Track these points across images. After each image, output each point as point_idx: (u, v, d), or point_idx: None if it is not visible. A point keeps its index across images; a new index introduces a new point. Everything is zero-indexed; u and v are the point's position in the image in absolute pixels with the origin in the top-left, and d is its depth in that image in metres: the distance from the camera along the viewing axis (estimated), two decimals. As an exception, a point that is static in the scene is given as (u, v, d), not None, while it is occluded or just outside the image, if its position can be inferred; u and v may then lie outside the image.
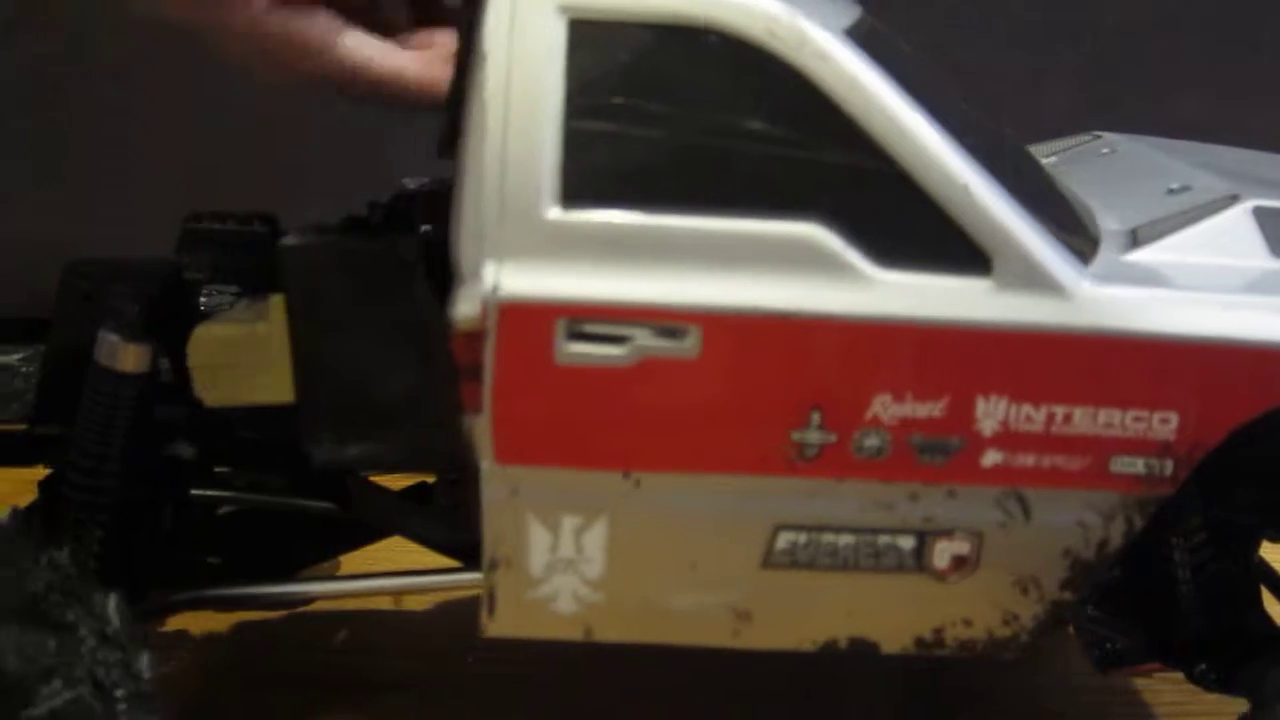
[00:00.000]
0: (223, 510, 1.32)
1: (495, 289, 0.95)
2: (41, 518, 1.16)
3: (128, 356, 1.11)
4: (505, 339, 0.95)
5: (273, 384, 1.10)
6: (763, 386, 0.96)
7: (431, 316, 1.01)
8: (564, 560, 1.00)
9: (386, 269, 1.04)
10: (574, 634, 1.03)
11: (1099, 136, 1.42)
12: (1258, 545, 1.27)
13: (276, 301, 1.08)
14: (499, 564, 1.01)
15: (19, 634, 0.97)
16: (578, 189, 0.96)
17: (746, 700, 1.41)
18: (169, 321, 1.14)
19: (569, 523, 0.99)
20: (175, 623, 1.45)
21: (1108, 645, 1.24)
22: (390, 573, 1.27)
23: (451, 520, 1.13)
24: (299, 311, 1.06)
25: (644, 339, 0.96)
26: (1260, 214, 1.07)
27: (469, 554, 1.12)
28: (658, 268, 0.95)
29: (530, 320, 0.95)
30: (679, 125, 0.96)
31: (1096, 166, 1.33)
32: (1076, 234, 1.04)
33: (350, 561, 1.46)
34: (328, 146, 1.96)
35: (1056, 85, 2.18)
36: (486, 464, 0.98)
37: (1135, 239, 1.07)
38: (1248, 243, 1.05)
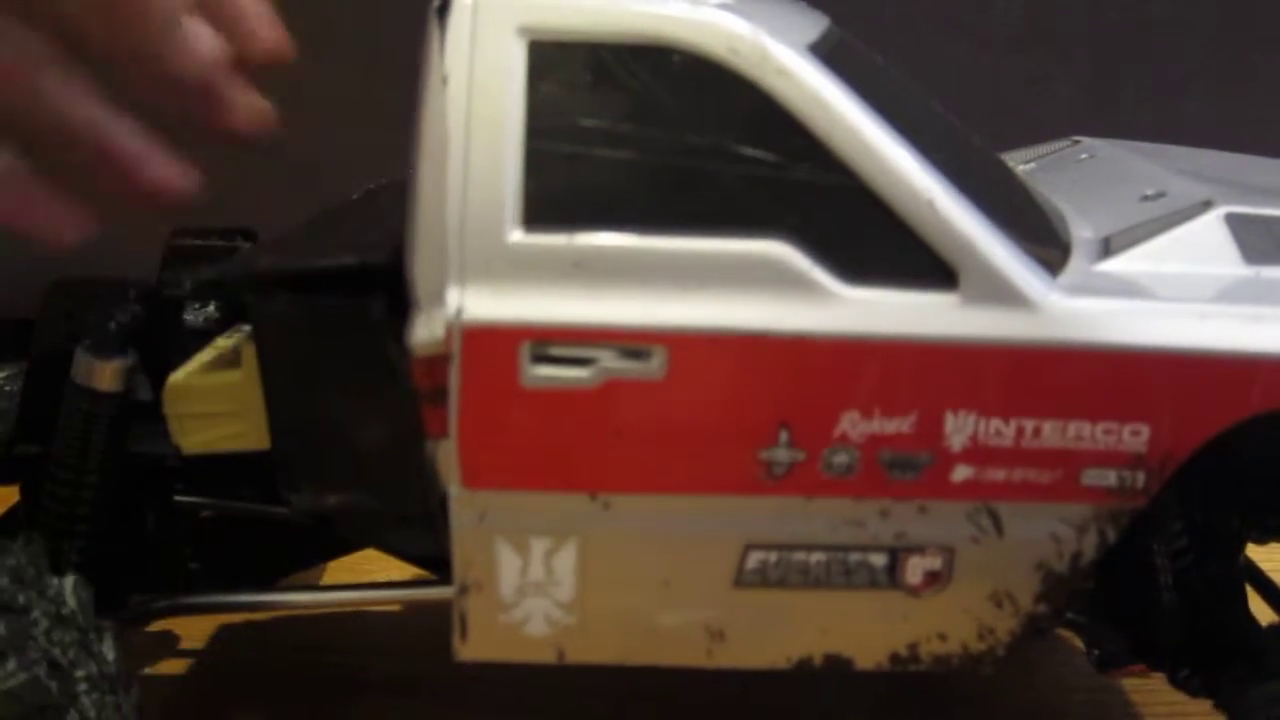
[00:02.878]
0: (205, 515, 1.32)
1: (459, 313, 0.95)
2: (24, 520, 1.17)
3: (103, 375, 1.12)
4: (470, 363, 0.95)
5: (248, 432, 1.10)
6: (730, 406, 0.96)
7: (403, 371, 1.00)
8: (534, 583, 1.00)
9: (356, 326, 1.03)
10: (547, 656, 1.03)
11: (1077, 142, 1.41)
12: (1242, 546, 1.26)
13: (249, 352, 1.08)
14: (470, 588, 1.01)
15: None
16: (540, 211, 0.95)
17: (740, 696, 1.42)
18: (150, 340, 1.14)
19: (538, 546, 0.99)
20: (166, 623, 1.46)
21: (1107, 645, 1.23)
22: (367, 584, 1.27)
23: (427, 535, 1.12)
24: (271, 367, 1.06)
25: (609, 361, 0.95)
26: (1233, 220, 1.06)
27: (444, 567, 1.12)
28: (622, 288, 0.95)
29: (495, 344, 0.95)
30: (641, 145, 0.96)
31: (1073, 172, 1.32)
32: (1047, 244, 1.03)
33: (335, 565, 1.46)
34: (328, 144, 1.95)
35: (1057, 86, 2.17)
36: (455, 489, 0.97)
37: (1107, 247, 1.06)
38: (1220, 250, 1.05)
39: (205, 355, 1.15)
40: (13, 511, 1.25)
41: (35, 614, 1.04)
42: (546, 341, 0.95)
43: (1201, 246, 1.05)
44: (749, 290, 0.95)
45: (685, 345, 0.95)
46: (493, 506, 0.98)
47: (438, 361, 0.96)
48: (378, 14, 1.98)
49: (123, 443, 1.16)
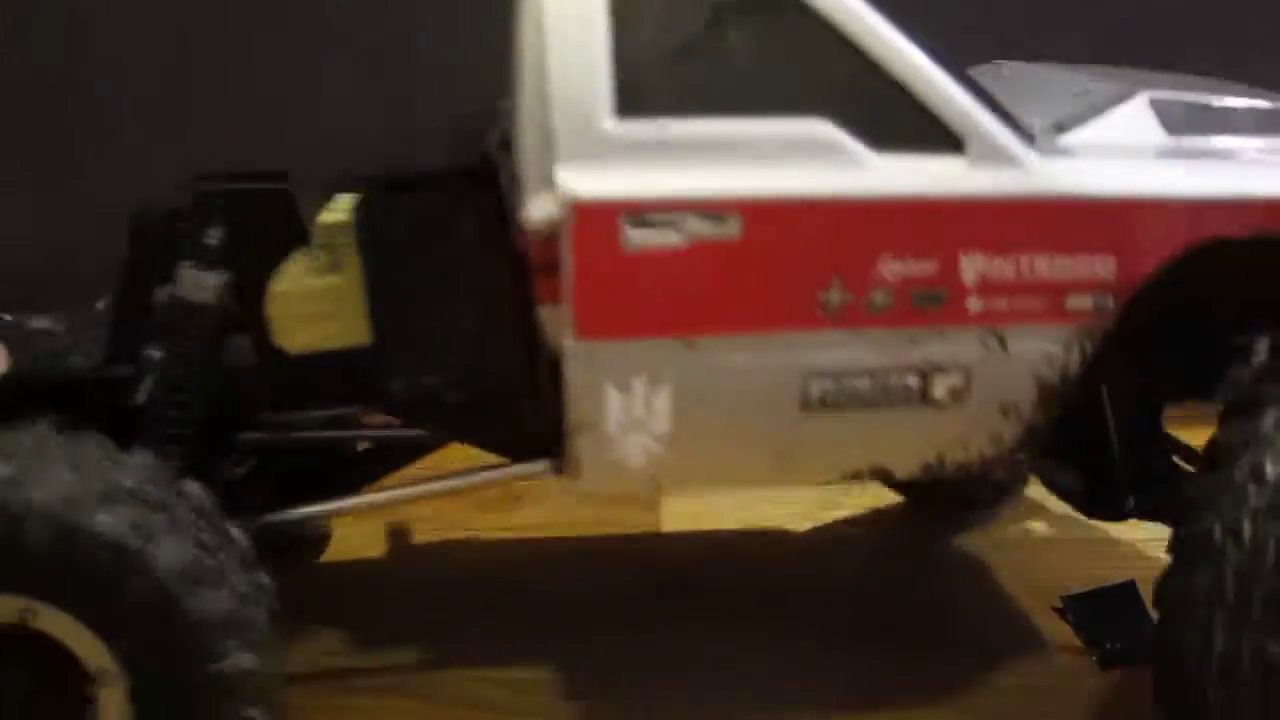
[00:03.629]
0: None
1: (570, 191, 1.13)
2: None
3: (205, 289, 1.22)
4: (580, 233, 1.14)
5: (351, 329, 1.24)
6: (792, 258, 1.17)
7: (496, 259, 1.17)
8: (636, 420, 1.19)
9: (456, 222, 1.19)
10: (645, 486, 1.22)
11: (1000, 64, 1.67)
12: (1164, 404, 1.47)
13: (349, 257, 1.23)
14: (582, 429, 1.19)
15: (130, 513, 1.08)
16: (629, 102, 1.15)
17: (729, 690, 1.47)
18: (249, 249, 1.24)
19: (639, 386, 1.18)
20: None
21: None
22: (462, 471, 1.36)
23: (519, 420, 1.28)
24: (376, 266, 1.21)
25: (694, 225, 1.15)
26: (1155, 103, 1.33)
27: (529, 454, 1.29)
28: (702, 165, 1.15)
29: (600, 215, 1.14)
30: (712, 45, 1.16)
31: (1007, 84, 1.57)
32: (1018, 124, 1.28)
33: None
34: (328, 144, 2.04)
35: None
36: (568, 343, 1.16)
37: (1060, 128, 1.31)
38: (1148, 126, 1.31)
39: (301, 262, 1.28)
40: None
41: (180, 510, 1.13)
42: (641, 212, 1.14)
43: (1134, 123, 1.30)
44: (802, 161, 1.17)
45: (755, 210, 1.16)
46: (601, 354, 1.16)
47: (551, 236, 1.14)
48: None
49: (220, 357, 1.28)
